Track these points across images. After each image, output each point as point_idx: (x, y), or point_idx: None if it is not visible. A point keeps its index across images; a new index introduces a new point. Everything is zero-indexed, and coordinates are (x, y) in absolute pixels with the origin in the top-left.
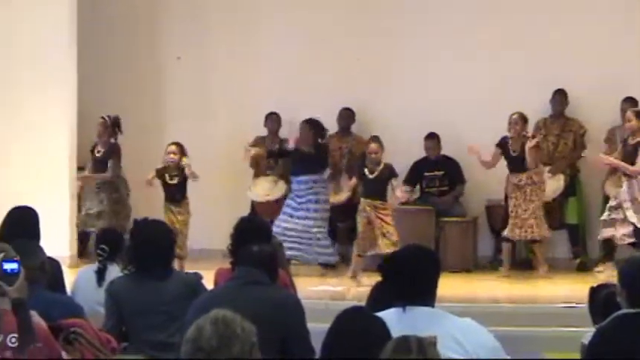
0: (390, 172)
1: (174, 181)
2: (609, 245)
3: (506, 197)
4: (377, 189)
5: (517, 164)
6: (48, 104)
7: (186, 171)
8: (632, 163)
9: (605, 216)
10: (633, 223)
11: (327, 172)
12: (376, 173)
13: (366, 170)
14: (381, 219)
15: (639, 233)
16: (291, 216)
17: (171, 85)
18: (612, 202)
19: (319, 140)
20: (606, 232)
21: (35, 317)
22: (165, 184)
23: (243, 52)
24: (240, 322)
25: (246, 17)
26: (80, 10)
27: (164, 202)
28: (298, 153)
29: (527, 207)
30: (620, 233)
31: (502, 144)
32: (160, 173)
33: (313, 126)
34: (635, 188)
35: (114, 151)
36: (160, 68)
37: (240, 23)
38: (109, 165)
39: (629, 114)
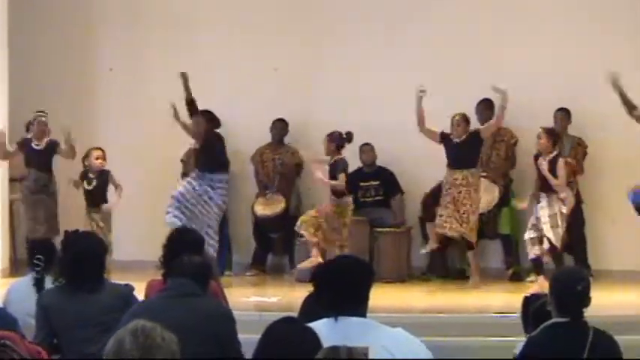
0: None
1: (91, 186)
2: (538, 261)
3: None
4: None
5: (456, 161)
6: None
7: (111, 180)
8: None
9: (528, 235)
10: (549, 239)
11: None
12: None
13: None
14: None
15: (554, 249)
16: (194, 189)
17: (103, 96)
18: (533, 221)
19: (214, 130)
20: (533, 251)
21: None
22: (84, 190)
23: (176, 65)
24: (161, 331)
25: (180, 30)
26: (11, 14)
27: (86, 208)
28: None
29: (458, 208)
30: (545, 250)
31: (445, 138)
32: (81, 177)
33: (211, 116)
34: (554, 204)
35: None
36: (93, 78)
37: (173, 36)
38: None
39: (540, 132)
